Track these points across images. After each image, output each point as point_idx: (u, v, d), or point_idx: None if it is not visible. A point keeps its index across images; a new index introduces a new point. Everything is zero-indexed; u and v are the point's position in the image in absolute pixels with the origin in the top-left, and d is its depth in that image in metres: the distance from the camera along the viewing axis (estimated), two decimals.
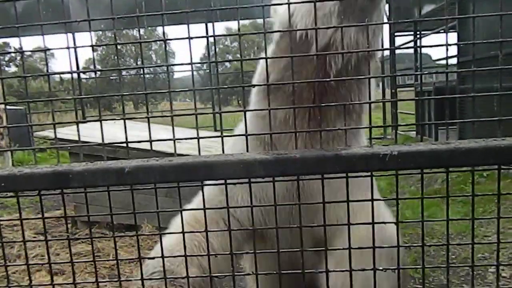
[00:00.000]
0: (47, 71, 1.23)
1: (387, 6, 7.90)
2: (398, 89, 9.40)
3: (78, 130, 1.26)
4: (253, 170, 0.78)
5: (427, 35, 8.51)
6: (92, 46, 1.37)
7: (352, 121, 1.47)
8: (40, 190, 0.85)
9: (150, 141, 0.95)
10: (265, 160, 0.77)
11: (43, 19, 1.01)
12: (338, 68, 1.33)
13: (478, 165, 0.78)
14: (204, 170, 0.79)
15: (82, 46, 1.14)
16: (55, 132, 1.09)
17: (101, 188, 0.87)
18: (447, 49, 1.16)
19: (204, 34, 1.07)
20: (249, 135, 0.98)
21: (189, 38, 0.97)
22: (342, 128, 0.97)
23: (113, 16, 0.99)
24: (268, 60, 1.28)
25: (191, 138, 0.99)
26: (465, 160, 0.75)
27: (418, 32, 8.43)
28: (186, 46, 1.03)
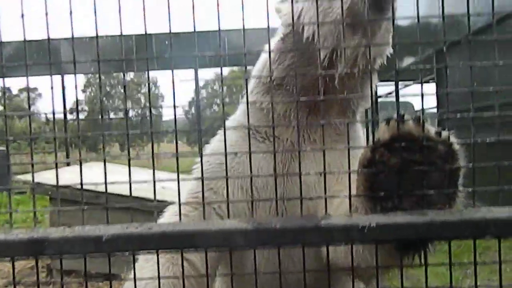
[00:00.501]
0: (29, 109, 1.23)
1: None
2: None
3: (57, 174, 1.25)
4: (233, 240, 0.78)
5: (409, 85, 8.84)
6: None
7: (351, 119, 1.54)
8: (14, 257, 0.83)
9: (130, 183, 0.94)
10: (245, 230, 0.77)
11: (34, 60, 1.03)
12: (344, 72, 1.35)
13: (454, 238, 0.80)
14: (184, 239, 0.79)
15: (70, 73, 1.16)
16: (32, 174, 1.08)
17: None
18: (422, 100, 1.21)
19: (193, 79, 1.10)
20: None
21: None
22: (338, 120, 0.98)
23: (99, 59, 1.02)
24: (272, 55, 1.30)
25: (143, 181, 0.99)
26: (441, 233, 0.77)
27: (399, 82, 8.76)
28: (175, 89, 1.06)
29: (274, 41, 1.51)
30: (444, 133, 0.90)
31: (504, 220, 0.78)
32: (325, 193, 0.94)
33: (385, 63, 1.48)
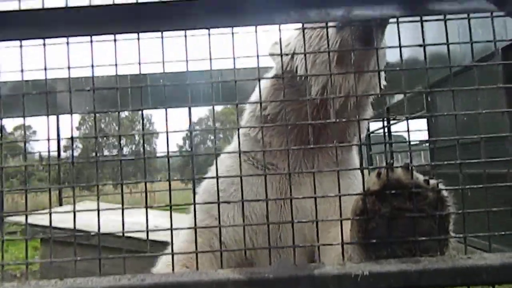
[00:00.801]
0: (25, 149, 1.24)
1: None
2: None
3: (50, 219, 1.24)
4: None
5: (400, 121, 8.98)
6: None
7: (347, 150, 1.58)
8: None
9: (123, 232, 0.93)
10: (238, 280, 0.77)
11: (29, 100, 1.05)
12: (337, 107, 1.39)
13: (447, 286, 0.80)
14: None
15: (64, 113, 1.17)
16: (26, 220, 1.07)
17: None
18: (408, 136, 1.23)
19: (187, 117, 1.13)
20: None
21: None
22: (332, 145, 0.98)
23: (92, 88, 1.04)
24: (265, 91, 1.32)
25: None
26: (434, 281, 0.77)
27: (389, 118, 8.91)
28: (169, 127, 1.08)
29: (269, 76, 1.57)
30: (433, 181, 0.93)
31: (496, 267, 0.79)
32: (317, 217, 0.94)
33: (378, 95, 1.54)
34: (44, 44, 1.04)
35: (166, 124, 1.10)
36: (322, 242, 1.20)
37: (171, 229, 1.01)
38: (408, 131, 1.14)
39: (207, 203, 1.40)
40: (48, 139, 1.12)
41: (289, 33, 1.53)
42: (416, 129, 9.14)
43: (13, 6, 1.03)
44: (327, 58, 1.33)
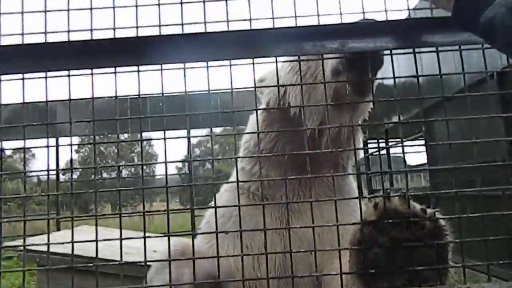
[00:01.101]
0: (25, 180, 1.25)
1: None
2: (375, 195, 9.65)
3: (48, 249, 1.23)
4: None
5: (398, 143, 9.03)
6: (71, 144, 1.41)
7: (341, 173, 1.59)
8: None
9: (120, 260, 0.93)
10: None
11: (29, 123, 1.06)
12: (330, 139, 1.41)
13: None
14: None
15: (61, 145, 1.18)
16: (24, 249, 1.06)
17: None
18: (404, 159, 1.22)
19: (186, 139, 1.14)
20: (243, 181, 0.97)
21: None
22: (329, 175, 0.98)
23: (93, 119, 1.05)
24: (259, 123, 1.33)
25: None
26: None
27: (387, 139, 8.96)
28: (169, 149, 1.10)
29: (261, 112, 1.59)
30: (430, 210, 0.93)
31: None
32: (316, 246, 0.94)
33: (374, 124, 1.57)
34: (46, 77, 1.07)
35: (165, 154, 1.11)
36: (328, 271, 1.21)
37: (169, 260, 1.01)
38: (403, 153, 1.15)
39: (205, 233, 1.40)
40: (48, 170, 1.13)
41: (273, 65, 1.56)
42: (414, 151, 9.18)
43: (16, 40, 1.06)
44: (321, 97, 1.36)
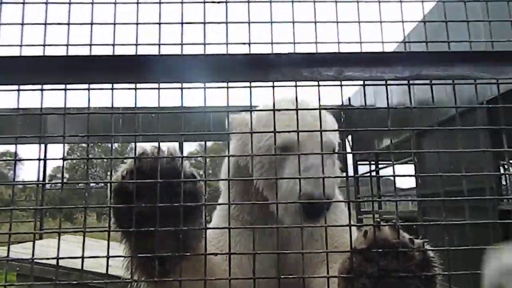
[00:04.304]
0: (14, 178, 1.23)
1: (350, 137, 8.54)
2: (364, 215, 9.65)
3: (32, 267, 1.21)
4: None
5: (389, 165, 9.08)
6: (63, 158, 1.40)
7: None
8: None
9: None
10: None
11: (20, 129, 1.05)
12: None
13: None
14: None
15: (50, 159, 1.17)
16: (8, 247, 1.04)
17: None
18: (394, 182, 1.23)
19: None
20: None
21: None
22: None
23: (87, 134, 1.04)
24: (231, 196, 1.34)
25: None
26: None
27: (377, 162, 9.02)
28: None
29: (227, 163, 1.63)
30: (418, 241, 0.94)
31: None
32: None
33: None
34: (41, 90, 1.06)
35: (158, 167, 1.10)
36: None
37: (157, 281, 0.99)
38: (394, 178, 1.15)
39: (197, 254, 1.39)
40: (38, 182, 1.11)
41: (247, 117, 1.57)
42: (404, 174, 9.23)
43: (14, 52, 1.06)
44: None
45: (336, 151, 1.52)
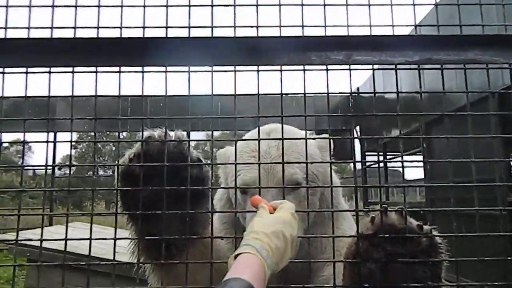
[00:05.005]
0: (22, 162, 1.24)
1: (358, 127, 8.48)
2: (371, 206, 9.61)
3: (40, 252, 1.22)
4: None
5: (397, 156, 9.03)
6: (71, 141, 1.40)
7: (328, 228, 1.55)
8: None
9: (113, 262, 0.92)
10: None
11: (29, 116, 1.06)
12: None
13: None
14: None
15: (59, 141, 1.18)
16: (17, 232, 1.05)
17: None
18: (403, 173, 1.21)
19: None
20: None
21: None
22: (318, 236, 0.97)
23: (95, 117, 1.05)
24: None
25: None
26: None
27: (385, 152, 8.96)
28: None
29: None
30: (426, 227, 0.93)
31: None
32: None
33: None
34: (49, 72, 1.06)
35: (165, 156, 1.10)
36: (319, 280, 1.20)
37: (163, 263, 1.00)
38: (403, 170, 1.15)
39: (203, 237, 1.40)
40: (46, 166, 1.12)
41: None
42: (412, 166, 9.15)
43: (21, 34, 1.06)
44: None
45: (304, 184, 1.36)
